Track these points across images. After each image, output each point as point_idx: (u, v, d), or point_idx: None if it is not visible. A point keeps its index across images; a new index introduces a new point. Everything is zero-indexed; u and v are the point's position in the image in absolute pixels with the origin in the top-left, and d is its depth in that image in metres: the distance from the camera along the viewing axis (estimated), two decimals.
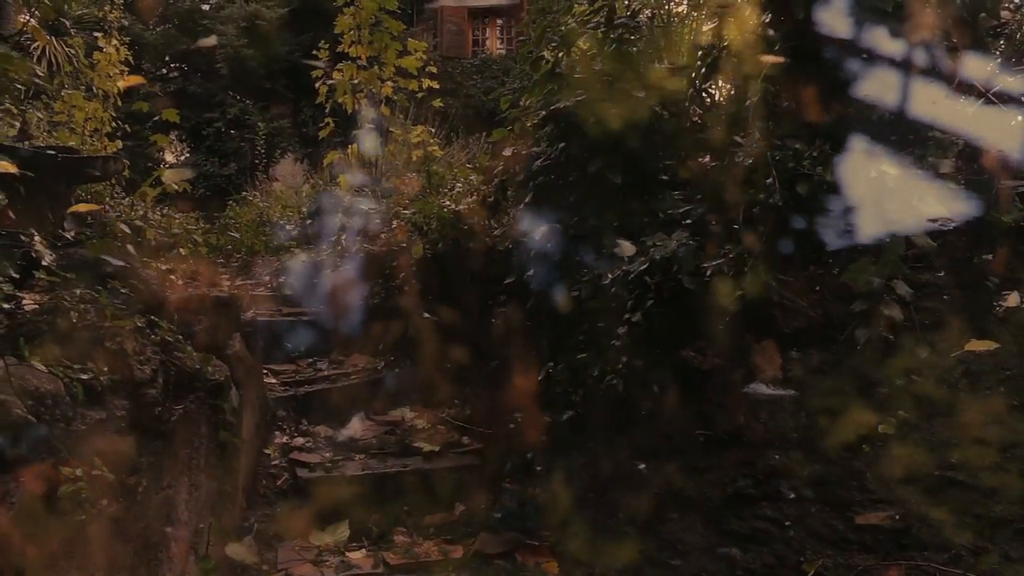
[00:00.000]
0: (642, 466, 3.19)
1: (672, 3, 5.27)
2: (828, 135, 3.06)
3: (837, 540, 2.60)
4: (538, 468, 3.57)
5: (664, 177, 3.68)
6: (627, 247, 3.23)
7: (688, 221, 3.26)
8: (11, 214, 2.47)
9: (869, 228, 2.87)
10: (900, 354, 2.71)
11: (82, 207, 3.05)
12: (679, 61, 4.10)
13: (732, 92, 3.71)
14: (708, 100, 3.87)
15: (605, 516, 3.16)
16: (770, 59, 3.12)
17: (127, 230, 3.49)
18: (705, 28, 4.13)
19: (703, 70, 3.63)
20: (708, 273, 2.98)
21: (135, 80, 5.54)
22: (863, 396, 2.74)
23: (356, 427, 4.40)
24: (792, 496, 2.76)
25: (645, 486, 3.10)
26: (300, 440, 4.19)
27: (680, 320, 3.15)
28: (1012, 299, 2.68)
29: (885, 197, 2.84)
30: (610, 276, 3.31)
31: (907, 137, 3.11)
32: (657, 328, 3.14)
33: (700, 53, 3.75)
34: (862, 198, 2.92)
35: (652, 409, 3.21)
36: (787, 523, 2.71)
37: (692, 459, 3.07)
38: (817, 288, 3.18)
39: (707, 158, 3.61)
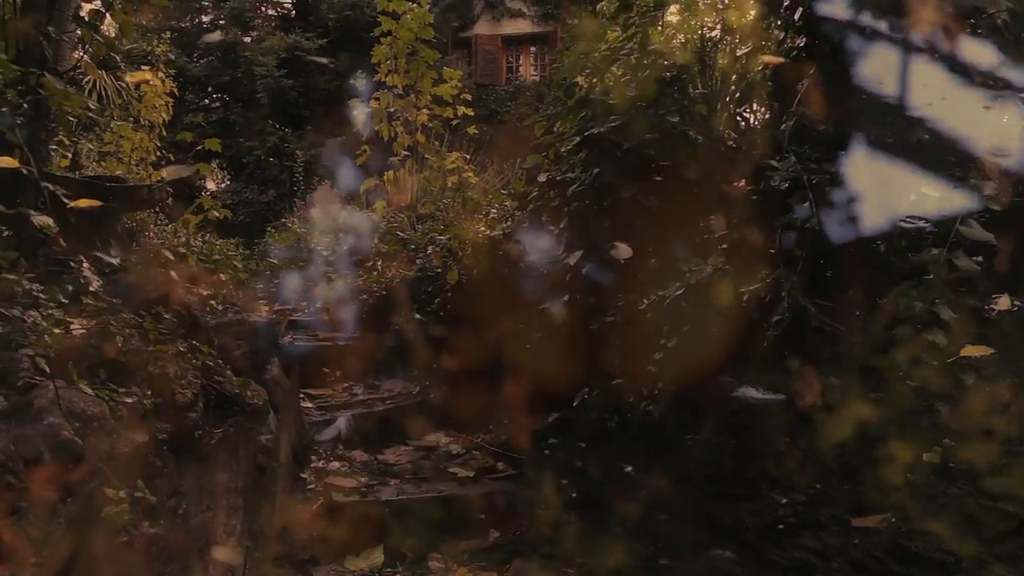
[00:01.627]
0: (679, 495, 3.15)
1: (706, 28, 5.28)
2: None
3: (882, 573, 2.53)
4: (573, 495, 3.54)
5: (699, 202, 3.66)
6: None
7: (724, 246, 3.24)
8: (61, 241, 2.55)
9: (910, 251, 2.82)
10: (943, 379, 2.64)
11: None
12: (714, 85, 4.10)
13: (767, 116, 3.70)
14: (743, 124, 3.86)
15: (640, 544, 3.12)
16: (805, 81, 3.11)
17: (170, 256, 3.57)
18: (740, 52, 4.13)
19: (737, 95, 3.63)
20: (744, 298, 2.96)
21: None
22: (904, 424, 2.68)
23: (391, 452, 4.42)
24: (835, 526, 2.70)
25: (682, 516, 3.06)
26: (336, 464, 4.22)
27: (716, 346, 3.12)
28: (1003, 302, 2.60)
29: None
30: (646, 301, 3.30)
31: (947, 159, 3.06)
32: (693, 354, 3.11)
33: (734, 77, 3.76)
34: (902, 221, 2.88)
35: (688, 436, 3.18)
36: (830, 555, 2.65)
37: (729, 487, 3.03)
38: (857, 313, 3.13)
39: (742, 182, 3.60)
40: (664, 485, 3.20)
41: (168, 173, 4.03)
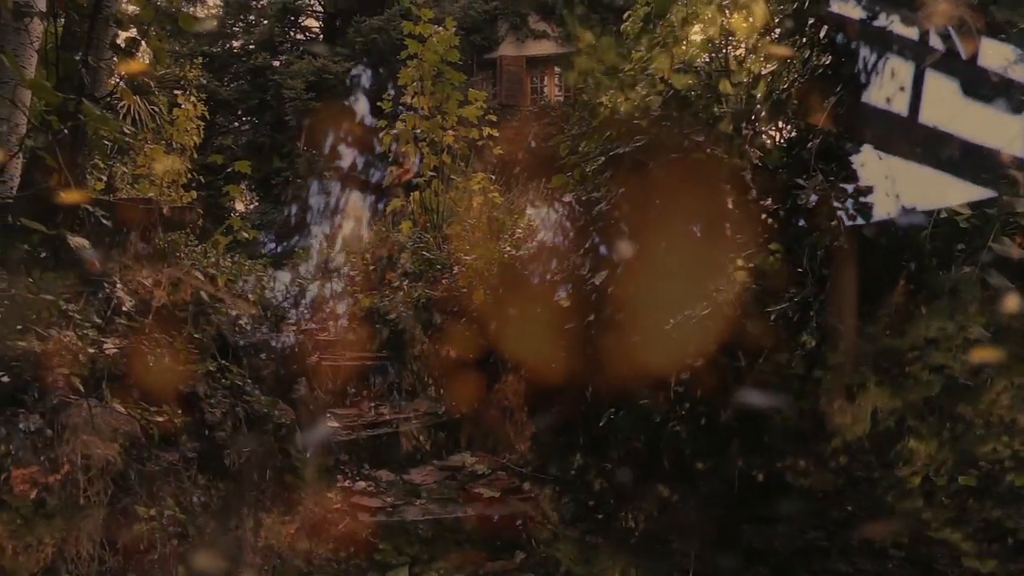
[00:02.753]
0: (707, 515, 3.11)
1: (731, 47, 5.29)
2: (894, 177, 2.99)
3: None
4: (599, 516, 3.51)
5: (725, 221, 3.64)
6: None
7: (751, 265, 3.21)
8: (96, 263, 2.61)
9: (941, 269, 2.79)
10: (978, 394, 2.60)
11: None
12: (739, 104, 4.10)
13: (793, 134, 3.68)
14: (768, 142, 3.85)
15: (670, 568, 3.08)
16: (831, 99, 3.10)
17: (200, 277, 3.63)
18: (764, 71, 4.13)
19: (763, 113, 3.62)
20: (772, 318, 2.93)
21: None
22: (938, 442, 2.63)
23: (417, 472, 4.42)
24: (868, 550, 2.65)
25: (714, 540, 3.02)
26: (362, 484, 4.23)
27: (745, 365, 3.09)
28: (1012, 302, 2.54)
29: (957, 237, 2.76)
30: (672, 321, 3.28)
31: (979, 176, 3.03)
32: (720, 374, 3.08)
33: (759, 96, 3.75)
34: (932, 238, 2.85)
35: (716, 456, 3.14)
36: None
37: (758, 508, 2.98)
38: (888, 332, 3.09)
39: (768, 201, 3.58)
40: (693, 507, 3.16)
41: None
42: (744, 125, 3.71)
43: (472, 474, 4.31)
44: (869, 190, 2.94)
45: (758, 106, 3.71)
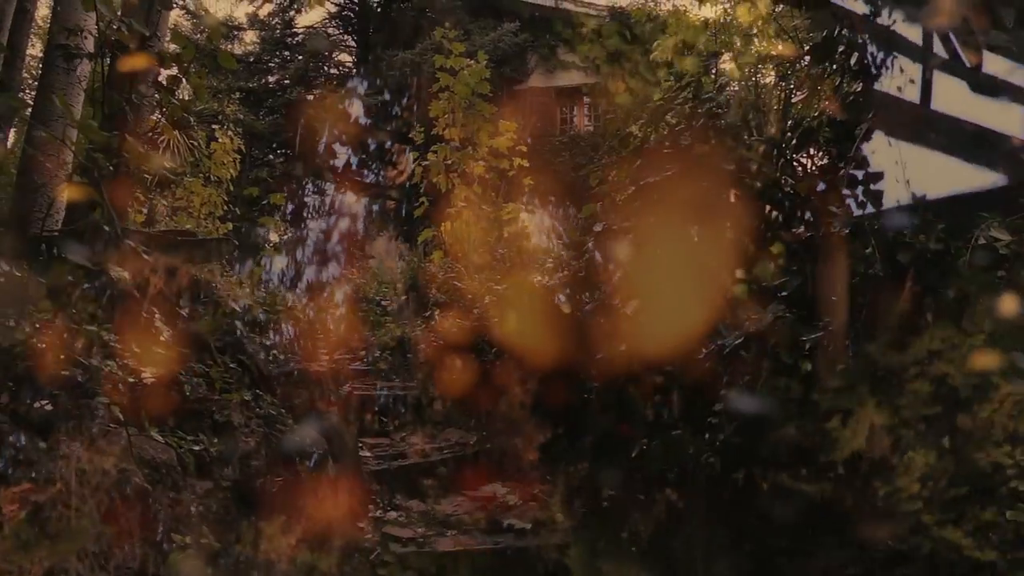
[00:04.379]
0: (745, 549, 3.05)
1: (760, 75, 5.29)
2: (930, 203, 2.96)
3: None
4: (633, 549, 3.46)
5: (757, 249, 3.62)
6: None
7: (784, 293, 3.18)
8: (136, 293, 2.67)
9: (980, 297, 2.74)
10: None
11: None
12: (769, 131, 4.09)
13: (825, 161, 3.66)
14: (800, 170, 3.83)
15: None
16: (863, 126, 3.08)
17: (236, 307, 3.69)
18: (794, 99, 4.12)
19: (793, 141, 3.61)
20: (807, 347, 2.89)
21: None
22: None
23: (448, 502, 4.40)
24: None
25: (751, 573, 2.96)
26: (393, 514, 4.22)
27: (779, 394, 3.04)
28: (1009, 304, 2.48)
29: (995, 264, 2.71)
30: (704, 350, 3.25)
31: (1018, 201, 2.98)
32: (754, 403, 3.04)
33: (790, 123, 3.74)
34: (969, 265, 2.80)
35: (752, 488, 3.09)
36: None
37: (796, 542, 2.92)
38: (927, 362, 3.03)
39: (801, 228, 3.55)
40: (728, 539, 3.11)
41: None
42: (775, 153, 3.70)
43: (504, 505, 4.28)
44: (903, 220, 2.91)
45: (789, 133, 3.70)
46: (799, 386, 2.93)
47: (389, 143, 14.68)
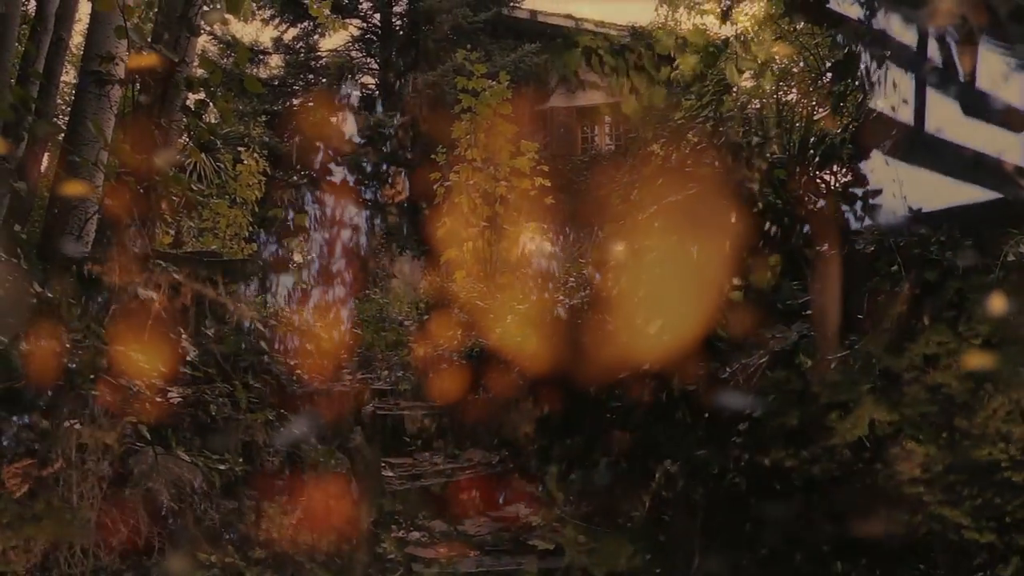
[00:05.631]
0: (772, 573, 3.00)
1: (782, 92, 5.27)
2: (957, 218, 2.93)
3: None
4: (658, 571, 3.42)
5: (781, 268, 3.60)
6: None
7: (808, 312, 3.16)
8: (163, 313, 2.71)
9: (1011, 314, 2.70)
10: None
11: None
12: (792, 149, 4.07)
13: (849, 179, 3.64)
14: (824, 187, 3.80)
15: None
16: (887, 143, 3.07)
17: (261, 328, 3.73)
18: (817, 116, 4.10)
19: (816, 158, 3.59)
20: (833, 365, 2.86)
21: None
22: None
23: (471, 523, 4.38)
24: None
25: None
26: (416, 534, 4.21)
27: (805, 414, 3.01)
28: (997, 303, 2.44)
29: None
30: (728, 369, 3.23)
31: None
32: (781, 423, 3.01)
33: (813, 140, 3.72)
34: (1000, 282, 2.76)
35: (779, 510, 3.04)
36: None
37: (827, 569, 2.87)
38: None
39: (825, 246, 3.52)
40: (755, 565, 3.06)
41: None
42: (798, 171, 3.69)
43: (526, 525, 4.25)
44: (931, 237, 2.88)
45: (811, 151, 3.68)
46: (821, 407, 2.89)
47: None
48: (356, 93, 16.16)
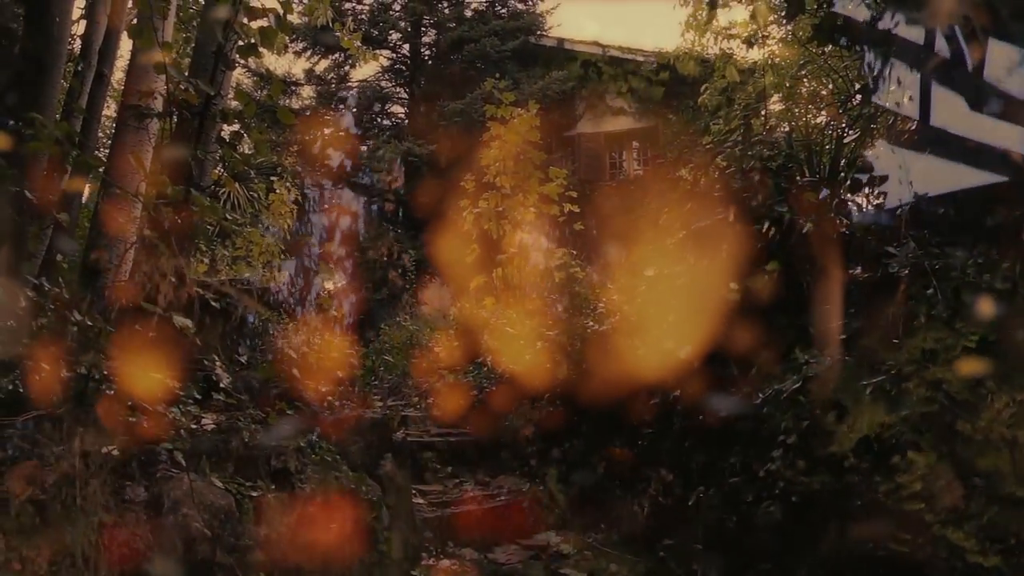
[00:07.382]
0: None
1: (811, 115, 5.25)
2: (991, 238, 2.87)
3: None
4: None
5: (813, 292, 3.55)
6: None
7: (842, 336, 3.11)
8: (197, 340, 2.75)
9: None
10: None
11: None
12: (822, 172, 4.04)
13: (880, 201, 3.60)
14: (855, 210, 3.76)
15: None
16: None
17: (292, 355, 3.77)
18: (847, 139, 4.08)
19: (847, 181, 3.56)
20: (868, 390, 2.81)
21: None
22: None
23: (501, 551, 4.34)
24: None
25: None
26: (446, 563, 4.18)
27: (841, 440, 2.95)
28: (986, 306, 2.38)
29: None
30: (760, 396, 3.19)
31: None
32: (816, 449, 2.95)
33: (844, 163, 3.70)
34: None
35: (815, 538, 2.98)
36: None
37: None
38: (1001, 409, 2.90)
39: (858, 270, 3.48)
40: None
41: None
42: (829, 193, 3.66)
43: (557, 554, 4.21)
44: (967, 259, 2.83)
45: (842, 174, 3.66)
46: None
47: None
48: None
